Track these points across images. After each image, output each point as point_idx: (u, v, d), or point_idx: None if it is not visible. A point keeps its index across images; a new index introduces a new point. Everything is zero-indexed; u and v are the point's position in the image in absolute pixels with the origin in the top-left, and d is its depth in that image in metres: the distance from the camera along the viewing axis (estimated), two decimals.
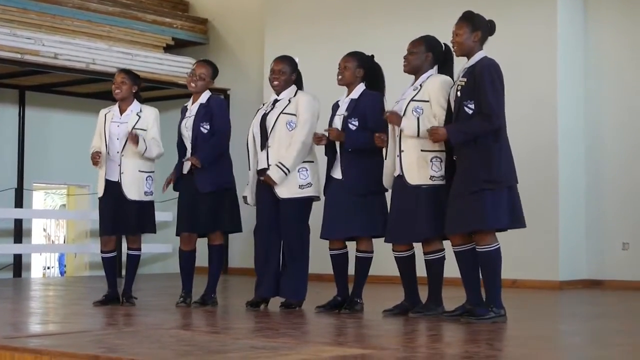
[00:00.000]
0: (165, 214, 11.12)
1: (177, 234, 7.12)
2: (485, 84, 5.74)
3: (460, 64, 6.13)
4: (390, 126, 6.28)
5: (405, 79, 6.43)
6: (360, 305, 6.59)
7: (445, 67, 6.32)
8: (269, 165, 6.68)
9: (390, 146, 6.28)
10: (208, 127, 6.94)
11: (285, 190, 6.66)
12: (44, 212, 16.09)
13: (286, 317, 6.34)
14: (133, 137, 6.96)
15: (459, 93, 5.85)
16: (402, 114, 6.13)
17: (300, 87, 6.90)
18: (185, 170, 7.01)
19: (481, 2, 9.11)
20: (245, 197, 6.95)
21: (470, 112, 5.78)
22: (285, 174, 6.60)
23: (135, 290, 7.33)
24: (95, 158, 7.03)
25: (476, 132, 5.73)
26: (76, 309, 7.28)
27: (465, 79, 5.84)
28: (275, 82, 6.82)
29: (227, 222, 7.05)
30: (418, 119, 6.06)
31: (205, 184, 6.90)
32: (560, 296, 8.70)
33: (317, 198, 6.78)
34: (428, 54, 6.27)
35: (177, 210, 7.14)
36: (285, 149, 6.65)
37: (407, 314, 6.25)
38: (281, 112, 6.72)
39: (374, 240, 6.64)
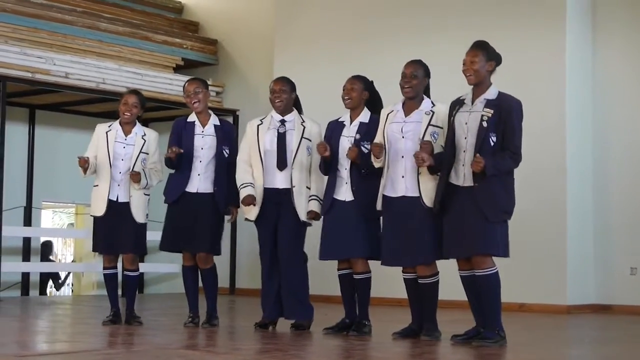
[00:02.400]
0: None
1: (168, 250, 7.10)
2: (514, 123, 5.92)
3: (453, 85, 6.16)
4: (389, 146, 6.27)
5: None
6: (368, 327, 6.58)
7: (428, 93, 6.40)
8: (292, 187, 6.73)
9: (386, 166, 6.29)
10: (228, 151, 7.00)
11: (304, 214, 6.77)
12: (52, 230, 16.09)
13: (294, 339, 6.33)
14: (135, 176, 6.99)
15: (484, 124, 5.89)
16: (420, 137, 6.17)
17: (299, 109, 6.97)
18: (194, 189, 6.98)
19: (489, 31, 9.17)
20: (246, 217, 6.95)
21: (493, 144, 5.89)
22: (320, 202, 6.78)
23: (143, 310, 7.35)
24: (82, 162, 6.97)
25: (505, 170, 5.91)
26: (84, 328, 7.28)
27: (491, 111, 5.89)
28: (278, 101, 6.87)
29: (218, 247, 7.06)
30: (441, 147, 6.14)
31: (222, 202, 6.93)
32: (568, 321, 8.67)
33: (309, 225, 6.88)
34: (425, 79, 6.35)
35: (170, 223, 6.99)
36: (305, 174, 6.75)
37: (415, 337, 6.24)
38: (302, 137, 6.80)
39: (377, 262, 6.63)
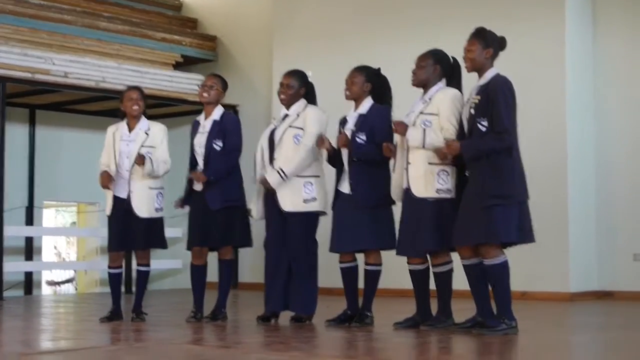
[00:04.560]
0: (175, 230, 11.13)
1: (188, 249, 7.15)
2: (499, 102, 5.79)
3: (471, 79, 6.15)
4: (399, 138, 6.31)
5: (414, 92, 6.44)
6: (370, 318, 6.59)
7: (454, 80, 6.34)
8: None
9: (399, 159, 6.30)
10: (221, 144, 6.99)
11: (290, 204, 6.67)
12: (54, 229, 16.10)
13: (296, 331, 6.34)
14: (140, 159, 7.01)
15: (472, 111, 5.88)
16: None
17: (312, 101, 6.92)
18: (198, 187, 7.02)
19: (489, 18, 9.17)
20: (249, 210, 6.97)
21: (484, 129, 5.82)
22: (282, 178, 6.62)
23: (146, 306, 7.34)
24: (105, 182, 7.04)
25: (488, 149, 5.78)
26: (87, 326, 7.29)
27: (479, 97, 5.87)
28: (282, 96, 6.87)
29: (238, 237, 7.09)
30: (424, 130, 6.08)
31: (215, 201, 6.93)
32: (572, 308, 8.67)
33: (322, 213, 6.79)
34: (436, 67, 6.31)
35: (188, 225, 7.16)
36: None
37: (417, 327, 6.25)
38: (289, 126, 6.76)
39: (383, 253, 6.64)
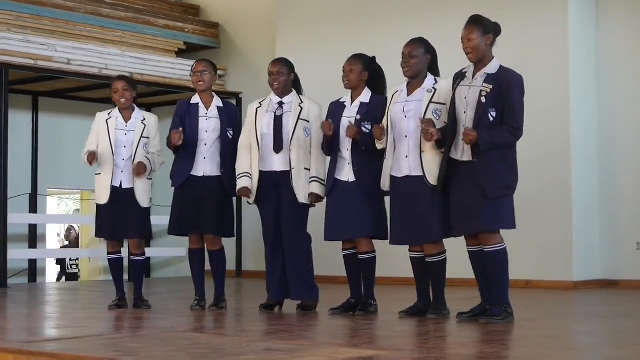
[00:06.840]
0: None
1: (180, 234, 7.13)
2: (514, 99, 5.87)
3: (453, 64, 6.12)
4: (393, 126, 6.28)
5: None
6: (374, 306, 6.60)
7: (435, 69, 6.38)
8: (292, 169, 6.72)
9: (391, 146, 6.29)
10: (232, 132, 7.00)
11: (303, 196, 6.75)
12: (58, 217, 16.13)
13: (301, 320, 6.35)
14: (140, 168, 7.01)
15: (483, 99, 5.87)
16: (422, 115, 6.16)
17: (299, 89, 6.95)
18: (200, 173, 6.99)
19: (491, 4, 9.15)
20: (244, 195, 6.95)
21: (492, 119, 5.85)
22: (323, 184, 6.77)
23: (150, 294, 7.37)
24: (91, 157, 7.00)
25: (503, 144, 5.87)
26: (91, 313, 7.30)
27: (490, 87, 5.87)
28: (276, 84, 6.86)
29: (229, 227, 7.11)
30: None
31: (232, 189, 6.96)
32: (575, 296, 8.67)
33: (312, 206, 6.89)
34: (427, 56, 6.33)
35: (178, 207, 7.01)
36: (304, 156, 6.73)
37: (421, 315, 6.26)
38: (299, 119, 6.78)
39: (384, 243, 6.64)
